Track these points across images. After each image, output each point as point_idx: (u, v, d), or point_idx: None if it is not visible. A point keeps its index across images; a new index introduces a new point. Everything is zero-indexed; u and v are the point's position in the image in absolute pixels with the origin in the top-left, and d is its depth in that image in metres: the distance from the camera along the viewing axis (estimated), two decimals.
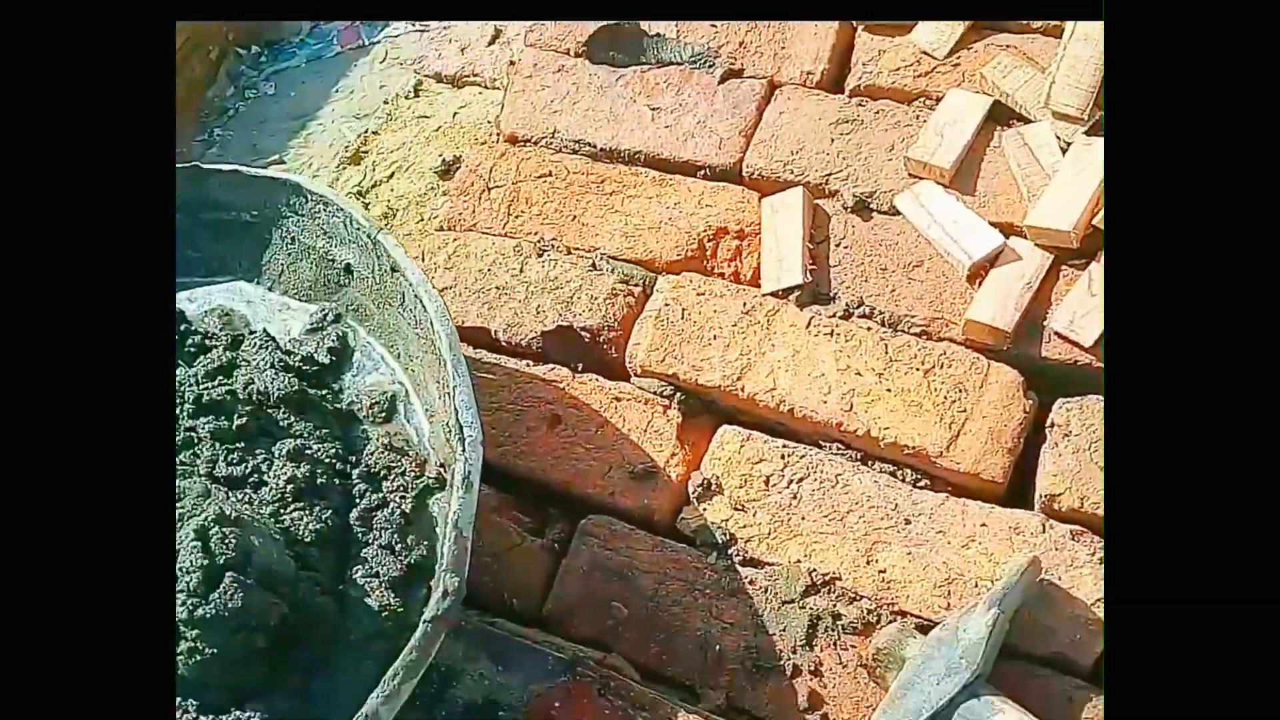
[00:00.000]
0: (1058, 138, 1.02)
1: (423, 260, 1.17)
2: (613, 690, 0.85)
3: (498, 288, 1.13)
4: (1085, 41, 1.03)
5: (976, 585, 0.90)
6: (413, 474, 0.91)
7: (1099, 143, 0.99)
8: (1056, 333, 0.95)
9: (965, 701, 0.81)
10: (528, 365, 1.10)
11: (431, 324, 0.85)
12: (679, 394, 1.04)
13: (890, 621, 0.91)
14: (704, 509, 0.99)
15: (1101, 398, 0.93)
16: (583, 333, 1.09)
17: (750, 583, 0.95)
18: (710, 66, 1.21)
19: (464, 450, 0.79)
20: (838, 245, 1.06)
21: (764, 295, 1.05)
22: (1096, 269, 0.95)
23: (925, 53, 1.13)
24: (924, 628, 0.90)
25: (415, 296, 0.88)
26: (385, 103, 1.45)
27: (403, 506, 0.91)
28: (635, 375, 1.07)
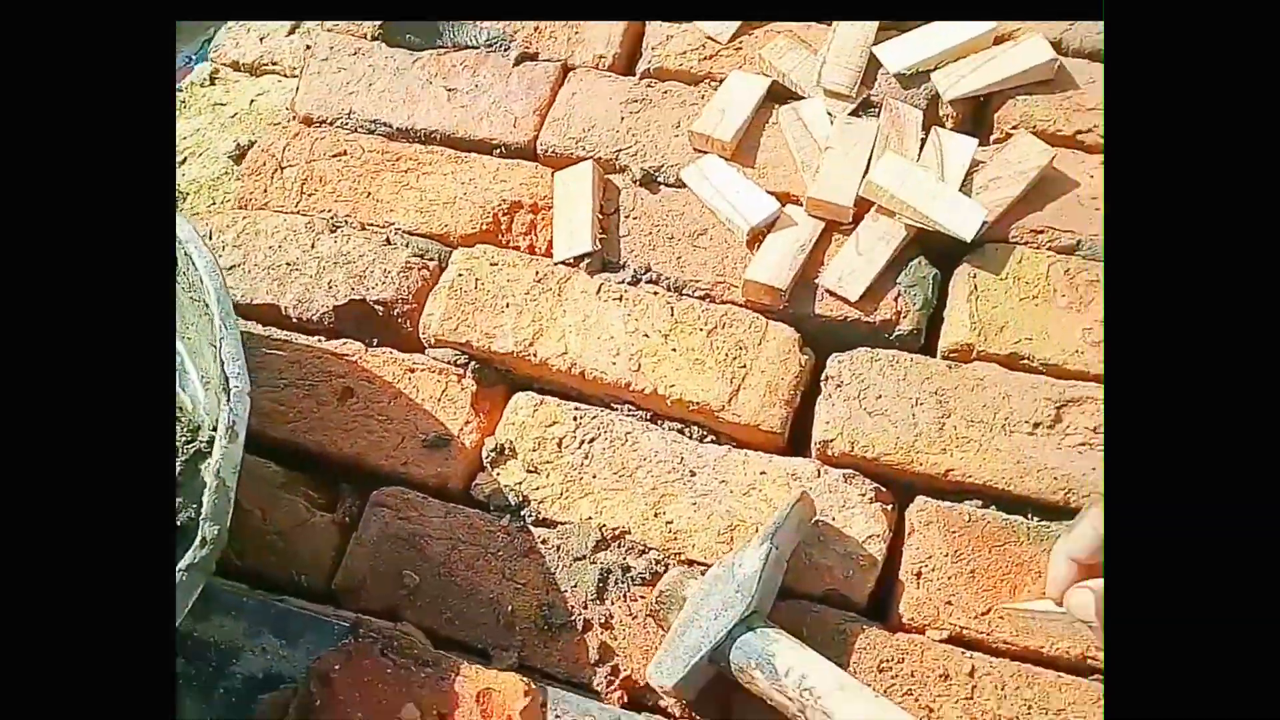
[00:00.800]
0: (829, 114, 1.09)
1: (210, 238, 1.14)
2: (395, 649, 0.84)
3: (288, 264, 1.11)
4: (852, 24, 1.10)
5: (757, 530, 0.93)
6: (184, 439, 0.88)
7: (860, 122, 1.07)
8: (828, 290, 1.01)
9: (742, 635, 0.84)
10: (319, 341, 1.09)
11: (201, 280, 0.83)
12: (473, 363, 1.05)
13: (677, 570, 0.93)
14: (497, 474, 1.00)
15: (871, 350, 0.98)
16: (376, 306, 1.08)
17: (543, 542, 0.96)
18: (505, 50, 1.23)
19: (229, 401, 0.77)
20: (627, 216, 1.09)
21: (556, 264, 1.07)
22: (863, 230, 1.01)
23: (710, 38, 1.18)
24: (706, 571, 0.92)
25: (186, 255, 0.85)
26: (180, 90, 1.41)
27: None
28: (429, 346, 1.07)
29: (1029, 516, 0.91)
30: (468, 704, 0.79)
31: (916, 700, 0.86)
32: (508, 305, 1.04)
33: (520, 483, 0.99)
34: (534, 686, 0.80)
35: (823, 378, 0.99)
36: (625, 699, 0.90)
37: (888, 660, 0.87)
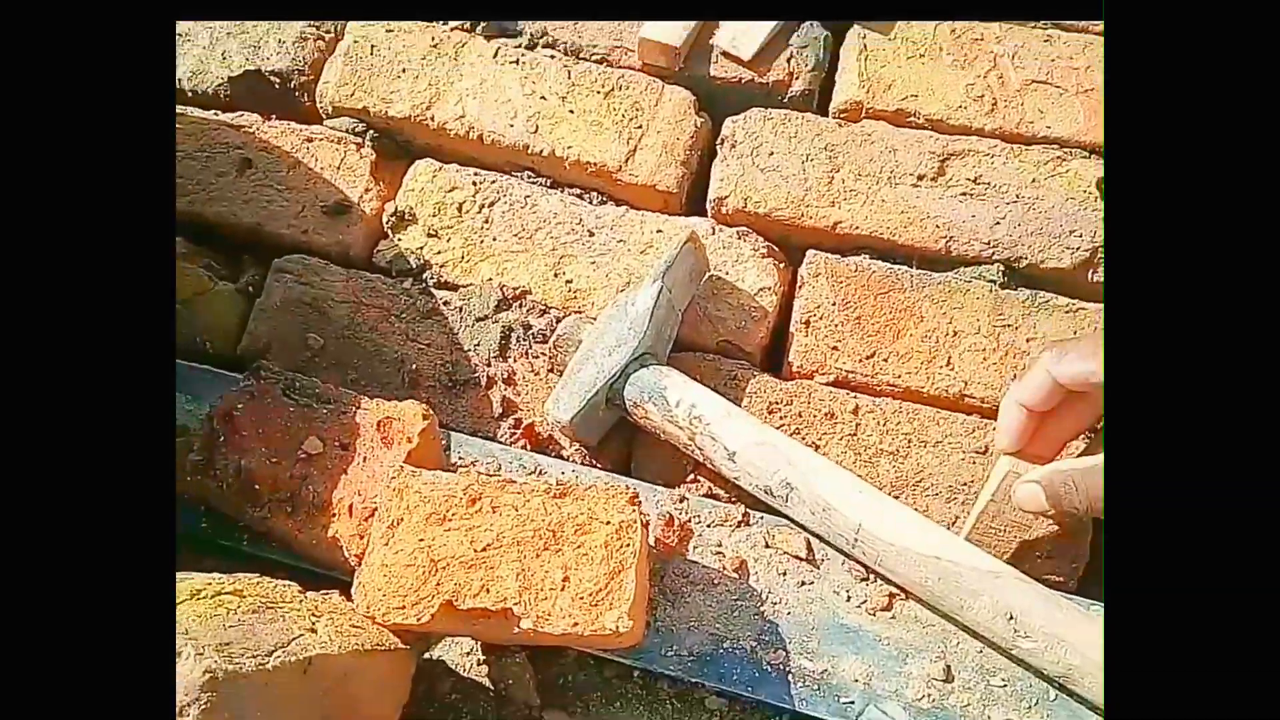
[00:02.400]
0: None
1: None
2: (297, 390, 0.86)
3: (181, 34, 1.09)
4: None
5: None
6: None
7: None
8: (722, 52, 1.01)
9: (636, 371, 0.87)
10: (215, 114, 1.07)
11: None
12: (371, 131, 1.04)
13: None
14: (399, 239, 1.01)
15: (764, 110, 1.00)
16: (272, 77, 1.07)
17: (445, 304, 0.98)
18: None
19: None
20: None
21: (451, 29, 1.06)
22: None
23: None
24: None
25: None
26: None
27: None
28: (327, 116, 1.06)
29: (912, 265, 0.95)
30: (369, 432, 0.81)
31: (804, 438, 0.91)
32: (404, 71, 1.04)
33: (421, 247, 1.00)
34: (430, 411, 0.82)
35: (718, 139, 1.01)
36: (528, 447, 0.94)
37: (777, 403, 0.92)
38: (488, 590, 0.70)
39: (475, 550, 0.71)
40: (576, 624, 0.69)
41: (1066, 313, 0.91)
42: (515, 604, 0.69)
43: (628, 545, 0.72)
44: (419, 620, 0.69)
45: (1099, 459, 0.77)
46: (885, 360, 0.92)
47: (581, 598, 0.69)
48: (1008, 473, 0.81)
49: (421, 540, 0.72)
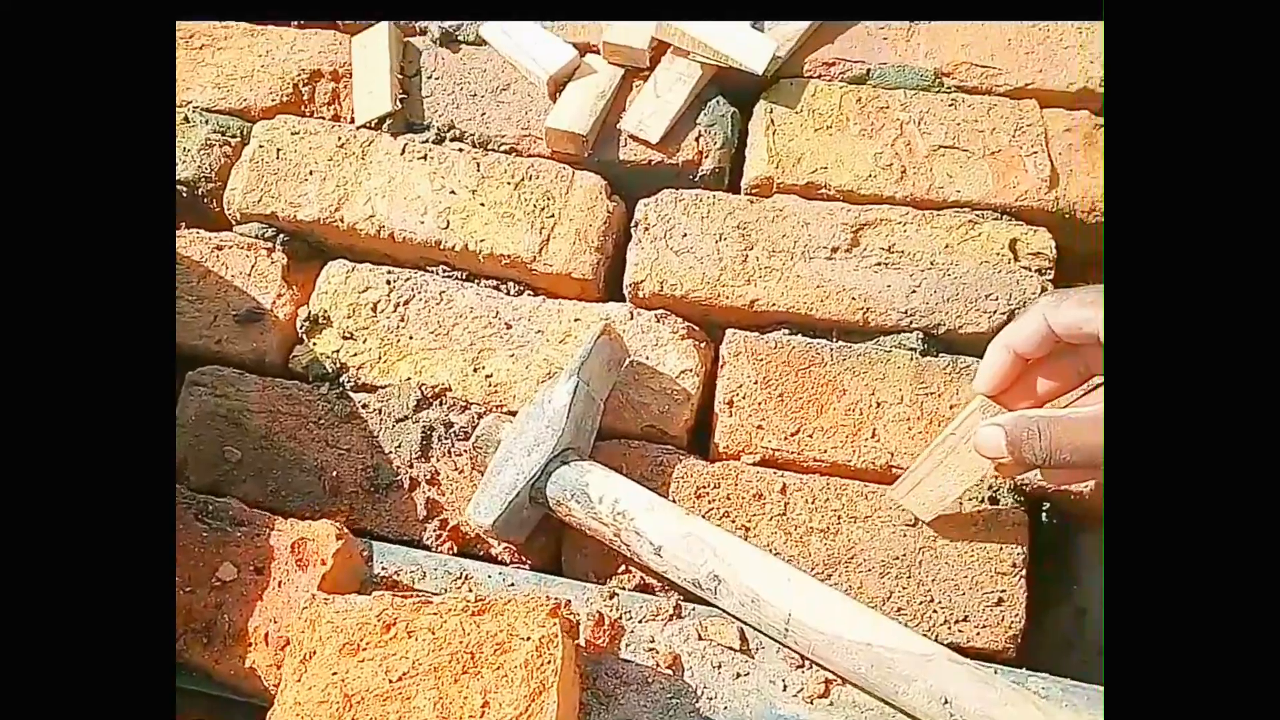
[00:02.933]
0: None
1: None
2: (210, 514, 0.84)
3: None
4: None
5: None
6: None
7: None
8: (630, 135, 1.01)
9: (557, 469, 0.86)
10: None
11: None
12: (281, 235, 1.03)
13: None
14: (314, 344, 0.99)
15: (675, 191, 1.00)
16: (179, 188, 1.05)
17: (364, 407, 0.96)
18: None
19: None
20: (429, 77, 1.08)
21: (358, 129, 1.05)
22: (660, 73, 1.02)
23: None
24: None
25: None
26: None
27: None
28: (236, 223, 1.05)
29: (832, 338, 0.95)
30: (283, 555, 0.79)
31: (733, 521, 0.89)
32: (311, 173, 1.03)
33: (337, 350, 0.99)
34: (345, 531, 0.81)
35: (632, 223, 1.00)
36: (455, 549, 0.92)
37: (704, 487, 0.91)
38: None
39: (390, 681, 0.69)
40: None
41: None
42: None
43: (549, 663, 0.70)
44: None
45: (1069, 411, 0.76)
46: (810, 436, 0.92)
47: None
48: (975, 410, 0.80)
49: (334, 674, 0.70)
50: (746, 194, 1.01)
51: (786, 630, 0.79)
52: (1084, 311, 0.73)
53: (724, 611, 0.84)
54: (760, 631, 0.83)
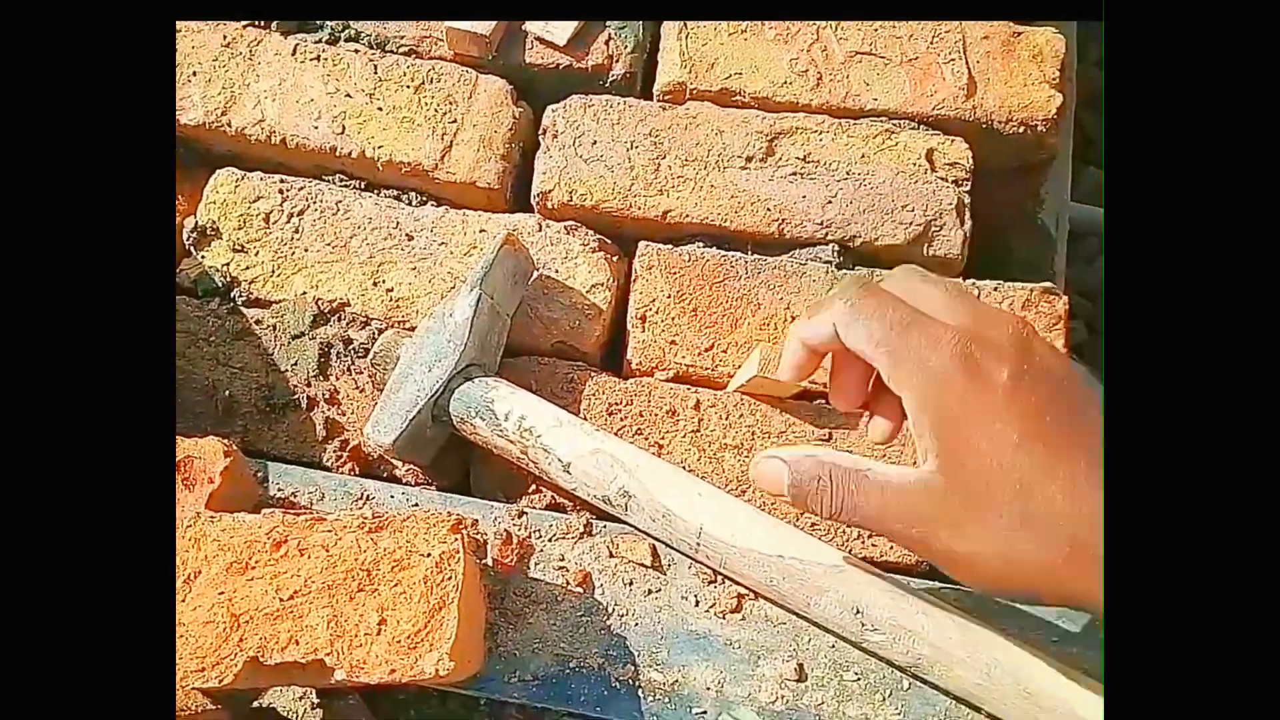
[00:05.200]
0: None
1: None
2: None
3: None
4: None
5: None
6: None
7: None
8: (536, 37, 0.96)
9: (460, 385, 0.82)
10: None
11: None
12: None
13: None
14: (202, 257, 0.93)
15: (584, 97, 0.95)
16: None
17: (257, 323, 0.91)
18: None
19: None
20: None
21: (244, 27, 0.98)
22: None
23: None
24: None
25: None
26: None
27: None
28: None
29: (747, 251, 0.92)
30: None
31: (646, 438, 0.87)
32: (194, 74, 0.96)
33: (227, 264, 0.93)
34: (234, 448, 0.76)
35: (540, 130, 0.96)
36: (356, 470, 0.88)
37: (617, 404, 0.88)
38: (296, 642, 0.64)
39: (281, 599, 0.65)
40: (394, 670, 0.64)
41: None
42: (326, 654, 0.64)
43: (449, 579, 0.67)
44: (221, 682, 0.63)
45: (877, 466, 0.66)
46: (725, 351, 0.89)
47: (398, 641, 0.65)
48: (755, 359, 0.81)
49: (221, 593, 0.66)
50: (659, 100, 0.97)
51: (698, 545, 0.78)
52: (823, 329, 0.65)
53: (635, 528, 0.82)
54: (671, 547, 0.81)
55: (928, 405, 0.61)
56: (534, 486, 0.86)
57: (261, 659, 0.63)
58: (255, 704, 0.78)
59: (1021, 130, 0.94)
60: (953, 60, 0.95)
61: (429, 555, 0.68)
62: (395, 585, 0.67)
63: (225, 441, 0.76)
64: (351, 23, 0.98)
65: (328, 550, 0.68)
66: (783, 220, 0.91)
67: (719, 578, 0.81)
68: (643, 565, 0.81)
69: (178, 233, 0.94)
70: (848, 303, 0.64)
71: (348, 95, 0.95)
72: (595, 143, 0.93)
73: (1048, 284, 0.90)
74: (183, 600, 0.66)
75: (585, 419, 0.86)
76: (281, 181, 0.95)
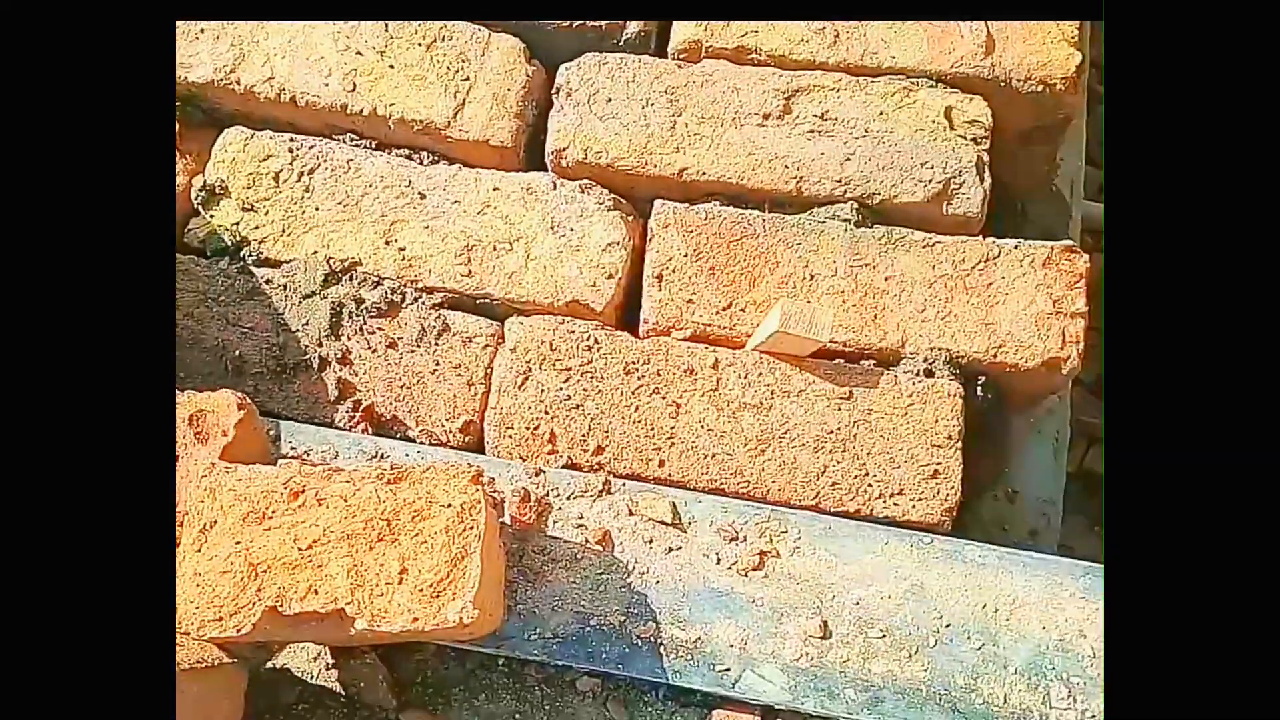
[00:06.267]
0: None
1: None
2: None
3: None
4: None
5: (495, 249, 0.90)
6: None
7: None
8: None
9: None
10: None
11: None
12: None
13: (415, 299, 0.89)
14: (211, 216, 0.92)
15: (599, 55, 0.94)
16: None
17: (267, 283, 0.90)
18: None
19: None
20: None
21: None
22: None
23: None
24: (454, 302, 0.89)
25: None
26: None
27: None
28: None
29: (764, 209, 0.91)
30: (181, 429, 0.73)
31: (664, 398, 0.86)
32: (202, 31, 0.94)
33: (237, 223, 0.91)
34: (247, 400, 0.75)
35: (554, 89, 0.94)
36: (368, 430, 0.87)
37: (634, 363, 0.87)
38: (316, 591, 0.63)
39: (300, 549, 0.64)
40: (416, 619, 0.62)
41: (924, 247, 0.88)
42: (348, 603, 0.62)
43: (471, 528, 0.66)
44: (239, 632, 0.62)
45: None
46: (743, 310, 0.88)
47: (421, 589, 0.63)
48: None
49: (238, 543, 0.64)
50: (674, 58, 0.96)
51: None
52: None
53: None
54: None
55: None
56: (550, 447, 0.85)
57: (280, 608, 0.62)
58: (269, 665, 0.77)
59: (1040, 89, 0.93)
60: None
61: (450, 505, 0.66)
62: (416, 535, 0.65)
63: (238, 394, 0.75)
64: None
65: (346, 500, 0.66)
66: (800, 178, 0.90)
67: (741, 535, 0.80)
68: (663, 523, 0.80)
69: (185, 192, 0.92)
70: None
71: (358, 53, 0.93)
72: (610, 100, 0.92)
73: (1069, 241, 0.89)
74: (199, 550, 0.65)
75: (601, 378, 0.85)
76: (291, 140, 0.93)
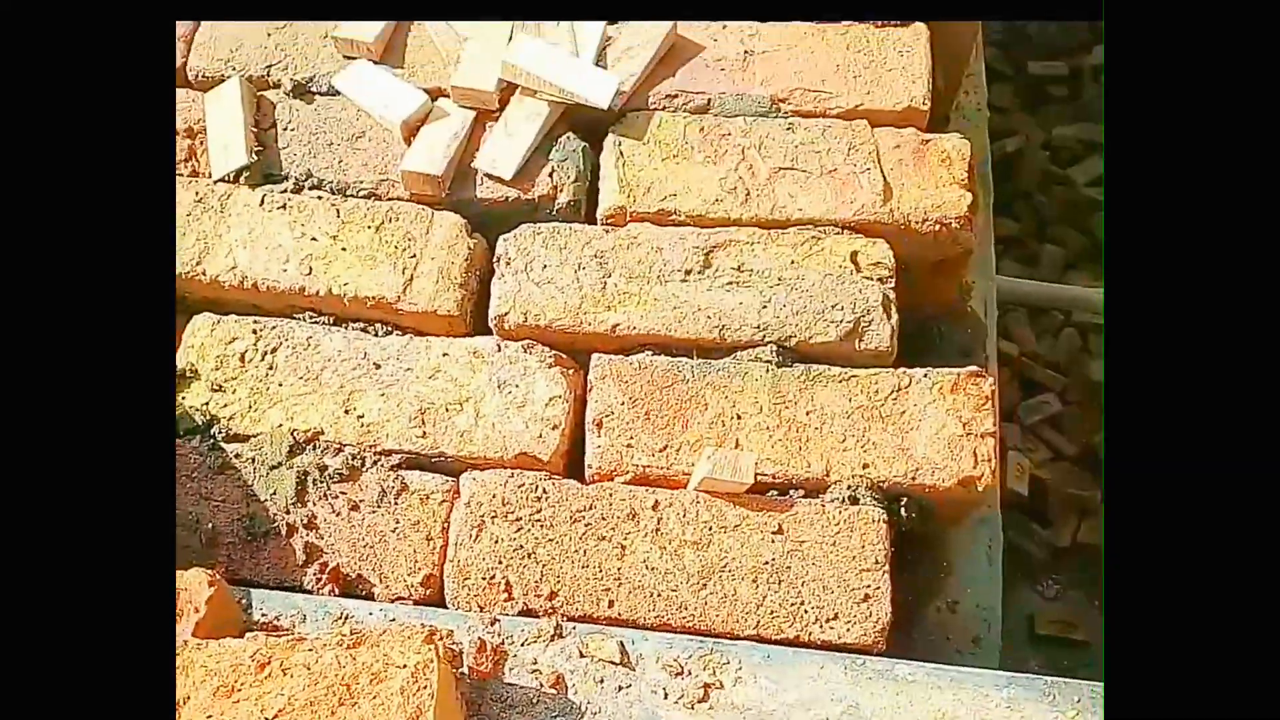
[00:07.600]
0: None
1: None
2: None
3: None
4: None
5: (446, 410, 0.97)
6: None
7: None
8: (485, 174, 1.04)
9: None
10: None
11: None
12: None
13: (374, 462, 0.96)
14: (183, 398, 0.99)
15: (533, 225, 1.03)
16: None
17: (236, 457, 0.96)
18: None
19: None
20: (284, 129, 1.09)
21: (215, 183, 1.06)
22: (510, 112, 1.06)
23: None
24: (411, 462, 0.96)
25: None
26: None
27: None
28: None
29: (692, 356, 0.99)
30: None
31: (610, 541, 0.92)
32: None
33: (207, 403, 0.99)
34: (218, 578, 0.81)
35: (494, 258, 1.03)
36: (336, 590, 0.92)
37: (580, 510, 0.93)
38: None
39: (266, 719, 0.70)
40: None
41: (840, 381, 0.96)
42: None
43: (424, 688, 0.71)
44: None
45: None
46: (678, 451, 0.95)
47: None
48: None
49: (209, 717, 0.70)
50: (602, 224, 1.05)
51: None
52: None
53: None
54: None
55: None
56: (505, 595, 0.90)
57: None
58: None
59: (937, 228, 1.02)
60: (868, 169, 1.04)
61: (405, 666, 0.72)
62: (374, 698, 0.71)
63: (209, 572, 0.81)
64: (313, 171, 1.06)
65: (309, 668, 0.72)
66: (723, 326, 0.98)
67: (686, 669, 0.85)
68: (612, 663, 0.85)
69: None
70: None
71: (313, 238, 1.02)
72: (545, 266, 1.01)
73: (974, 367, 0.97)
74: None
75: (552, 526, 0.92)
76: (255, 322, 1.01)
